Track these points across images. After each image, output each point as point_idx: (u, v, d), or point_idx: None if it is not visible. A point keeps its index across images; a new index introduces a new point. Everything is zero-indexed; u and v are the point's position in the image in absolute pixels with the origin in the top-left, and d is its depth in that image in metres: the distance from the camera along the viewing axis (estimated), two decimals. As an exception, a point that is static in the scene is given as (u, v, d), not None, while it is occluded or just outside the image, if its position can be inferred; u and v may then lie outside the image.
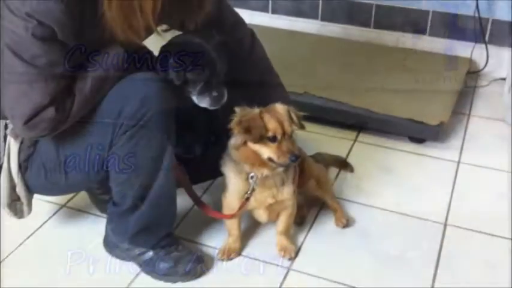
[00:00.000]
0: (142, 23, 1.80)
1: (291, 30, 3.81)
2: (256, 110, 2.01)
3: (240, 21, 2.28)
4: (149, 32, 1.89)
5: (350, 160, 2.79)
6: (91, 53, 1.84)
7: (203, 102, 2.02)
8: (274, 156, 1.97)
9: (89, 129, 1.91)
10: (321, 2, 3.75)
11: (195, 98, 2.02)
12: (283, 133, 1.98)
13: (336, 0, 3.71)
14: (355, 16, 3.71)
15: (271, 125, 1.97)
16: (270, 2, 3.86)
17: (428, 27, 3.58)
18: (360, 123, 3.01)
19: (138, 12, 1.75)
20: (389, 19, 3.64)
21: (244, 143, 2.00)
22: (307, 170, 2.35)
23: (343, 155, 2.82)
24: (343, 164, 2.74)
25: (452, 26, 3.51)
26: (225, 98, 2.02)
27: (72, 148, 1.94)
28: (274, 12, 3.88)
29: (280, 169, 2.04)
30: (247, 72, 2.23)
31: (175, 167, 2.06)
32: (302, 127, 2.08)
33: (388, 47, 3.64)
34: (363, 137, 3.00)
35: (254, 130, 1.95)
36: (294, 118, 2.04)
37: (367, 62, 3.44)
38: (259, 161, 2.01)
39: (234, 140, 2.03)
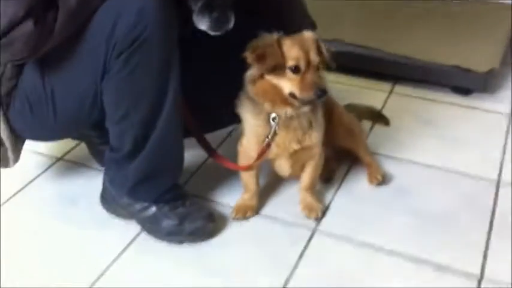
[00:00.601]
0: None
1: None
2: (275, 36, 1.70)
3: None
4: None
5: (385, 113, 2.46)
6: None
7: (202, 24, 1.69)
8: (296, 91, 1.66)
9: (78, 52, 1.62)
10: None
11: (194, 19, 1.70)
12: (308, 64, 1.66)
13: None
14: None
15: (293, 52, 1.66)
16: None
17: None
18: (396, 72, 2.67)
19: None
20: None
21: (262, 76, 1.69)
22: (336, 117, 2.05)
23: (378, 107, 2.48)
24: (377, 116, 2.42)
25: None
26: (230, 24, 1.69)
27: (60, 76, 1.66)
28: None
29: (305, 108, 1.72)
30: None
31: (183, 110, 1.77)
32: (331, 63, 1.76)
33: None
34: (399, 88, 2.68)
35: (269, 58, 1.65)
36: (323, 50, 1.72)
37: (401, 9, 3.09)
38: (279, 98, 1.70)
39: (250, 72, 1.72)
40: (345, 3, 3.18)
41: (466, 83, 2.56)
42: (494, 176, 2.10)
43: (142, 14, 1.53)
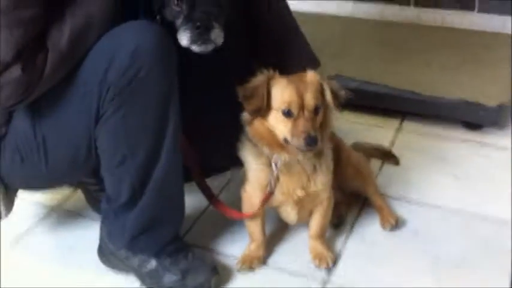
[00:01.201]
0: None
1: (318, 13, 3.40)
2: (268, 75, 1.62)
3: None
4: None
5: (394, 151, 2.36)
6: None
7: (184, 38, 1.60)
8: (288, 136, 1.58)
9: (70, 97, 1.53)
10: (353, -22, 3.34)
11: (178, 37, 1.61)
12: (302, 107, 1.56)
13: (369, -25, 3.30)
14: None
15: (286, 95, 1.58)
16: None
17: (477, 2, 3.15)
18: (403, 107, 2.58)
19: None
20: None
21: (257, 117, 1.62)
22: (343, 157, 1.96)
23: (386, 146, 2.39)
24: (386, 155, 2.32)
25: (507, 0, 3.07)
26: (220, 39, 1.61)
27: (51, 123, 1.57)
28: (302, -7, 3.47)
29: (300, 156, 1.64)
30: (267, 28, 1.82)
31: (183, 147, 1.68)
32: (337, 106, 1.65)
33: (432, 26, 3.22)
34: (407, 124, 2.59)
35: (254, 100, 1.57)
36: (327, 94, 1.63)
37: (408, 40, 3.03)
38: (276, 141, 1.62)
39: (245, 113, 1.65)
40: (349, 36, 3.12)
41: (476, 118, 2.46)
42: (507, 216, 2.00)
43: (136, 55, 1.45)
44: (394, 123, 2.58)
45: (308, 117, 1.57)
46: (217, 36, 1.61)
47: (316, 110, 1.60)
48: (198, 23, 1.58)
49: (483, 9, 3.14)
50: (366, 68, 2.71)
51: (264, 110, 1.59)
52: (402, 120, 2.60)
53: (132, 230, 1.68)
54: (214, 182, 2.00)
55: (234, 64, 1.72)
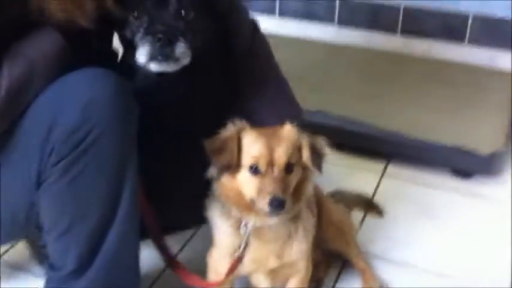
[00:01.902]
0: None
1: (301, 36, 3.22)
2: (237, 127, 1.41)
3: (238, 6, 1.67)
4: (103, 9, 1.27)
5: (378, 199, 2.18)
6: (10, 37, 1.24)
7: (143, 54, 1.38)
8: (255, 196, 1.36)
9: (7, 156, 1.30)
10: (337, 2, 3.14)
11: (137, 55, 1.40)
12: (271, 164, 1.35)
13: (355, 1, 3.09)
14: (379, 20, 3.13)
15: (254, 149, 1.37)
16: (278, 2, 3.26)
17: (467, 34, 2.99)
18: (389, 150, 2.38)
19: None
20: (419, 24, 3.06)
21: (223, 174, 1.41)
22: (325, 214, 1.75)
23: (369, 192, 2.20)
24: (369, 206, 2.12)
25: (498, 32, 2.92)
26: (185, 58, 1.40)
27: None
28: (282, 14, 3.32)
29: (271, 220, 1.41)
30: (243, 74, 1.62)
31: (140, 205, 1.45)
32: (317, 167, 1.43)
33: (419, 57, 3.04)
34: (393, 168, 2.39)
35: (222, 155, 1.37)
36: (306, 152, 1.41)
37: (394, 74, 2.85)
38: (243, 203, 1.40)
39: (210, 168, 1.43)
40: (333, 65, 2.93)
41: (466, 166, 2.28)
42: (507, 283, 1.81)
43: (88, 110, 1.22)
44: (378, 166, 2.39)
45: (277, 176, 1.35)
46: (183, 53, 1.40)
47: (288, 168, 1.38)
48: (160, 35, 1.36)
49: (473, 41, 2.98)
50: (350, 104, 2.51)
51: (234, 166, 1.38)
52: (387, 163, 2.40)
53: (79, 304, 1.44)
54: (175, 237, 1.78)
55: (206, 112, 1.50)
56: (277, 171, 1.36)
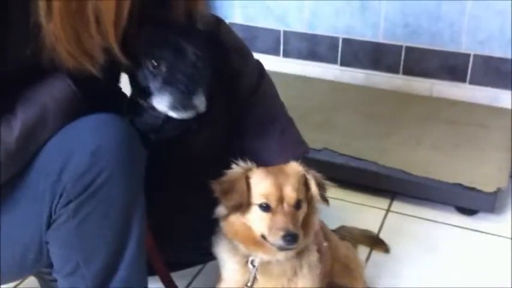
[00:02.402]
0: (99, 42, 1.23)
1: (305, 76, 3.28)
2: (245, 167, 1.46)
3: (243, 48, 1.72)
4: (110, 55, 1.31)
5: (383, 236, 2.19)
6: (23, 83, 1.28)
7: (162, 103, 1.39)
8: (266, 232, 1.39)
9: (18, 199, 1.32)
10: (340, 43, 3.22)
11: (153, 102, 1.41)
12: (281, 201, 1.39)
13: (357, 41, 3.16)
14: (381, 60, 3.18)
15: (263, 188, 1.41)
16: (282, 43, 3.33)
17: (469, 74, 3.04)
18: (393, 187, 2.41)
19: (93, 22, 1.18)
20: (421, 64, 3.11)
21: (232, 213, 1.44)
22: (330, 249, 1.75)
23: (374, 229, 2.22)
24: (375, 242, 2.14)
25: (499, 71, 2.96)
26: (200, 105, 1.41)
27: None
28: (286, 55, 3.37)
29: (280, 255, 1.43)
30: (249, 115, 1.65)
31: (147, 246, 1.47)
32: (324, 201, 1.48)
33: (420, 96, 3.09)
34: (397, 205, 2.41)
35: (233, 195, 1.40)
36: (313, 186, 1.46)
37: (396, 112, 2.89)
38: (252, 239, 1.43)
39: (220, 208, 1.46)
40: (336, 104, 2.97)
41: (470, 204, 2.30)
42: (511, 321, 1.82)
43: (96, 156, 1.25)
44: (383, 203, 2.41)
45: (288, 212, 1.39)
46: (200, 102, 1.42)
47: (297, 204, 1.42)
48: (182, 87, 1.38)
49: (474, 81, 3.03)
50: (353, 142, 2.55)
51: (245, 205, 1.41)
52: (392, 200, 2.42)
53: None
54: (183, 272, 1.79)
55: (210, 152, 1.54)
56: (287, 207, 1.39)
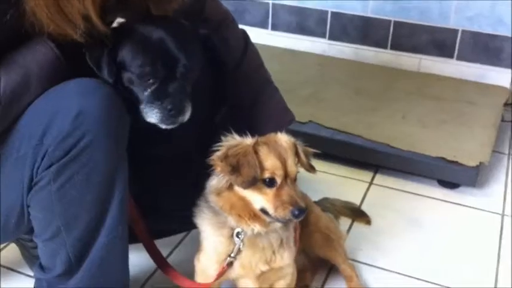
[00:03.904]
0: (78, 7, 1.22)
1: (293, 49, 3.27)
2: (250, 141, 1.42)
3: (229, 19, 1.71)
4: (91, 22, 1.30)
5: (365, 208, 2.21)
6: (5, 47, 1.28)
7: (151, 116, 1.41)
8: (270, 208, 1.38)
9: (0, 161, 1.32)
10: (329, 17, 3.20)
11: (142, 110, 1.42)
12: (286, 176, 1.38)
13: (346, 15, 3.15)
14: (370, 35, 3.17)
15: (270, 163, 1.38)
16: (270, 16, 3.31)
17: (456, 50, 3.04)
18: (377, 161, 2.42)
19: None
20: (409, 39, 3.10)
21: (230, 187, 1.41)
22: (312, 221, 1.78)
23: (357, 201, 2.23)
24: (357, 214, 2.16)
25: (486, 48, 2.97)
26: (186, 116, 1.43)
27: None
28: (274, 28, 3.35)
29: (278, 225, 1.44)
30: (236, 86, 1.64)
31: (130, 211, 1.47)
32: (312, 169, 1.49)
33: (408, 71, 3.10)
34: (380, 178, 2.42)
35: (245, 170, 1.36)
36: (302, 156, 1.46)
37: (383, 87, 2.89)
38: (248, 212, 1.42)
39: (216, 182, 1.44)
40: (323, 78, 2.97)
41: (453, 177, 2.32)
42: (490, 292, 1.85)
43: (79, 120, 1.25)
44: (366, 176, 2.43)
45: (292, 186, 1.39)
46: (187, 114, 1.44)
47: (295, 177, 1.42)
48: (171, 106, 1.39)
49: (462, 57, 3.03)
50: (340, 116, 2.55)
51: (258, 179, 1.37)
52: (375, 173, 2.44)
53: (67, 304, 1.46)
54: (165, 240, 1.80)
55: (195, 123, 1.53)
56: (290, 181, 1.39)
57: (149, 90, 1.39)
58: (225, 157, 1.39)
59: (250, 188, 1.38)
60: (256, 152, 1.39)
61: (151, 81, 1.38)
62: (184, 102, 1.42)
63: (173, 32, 1.41)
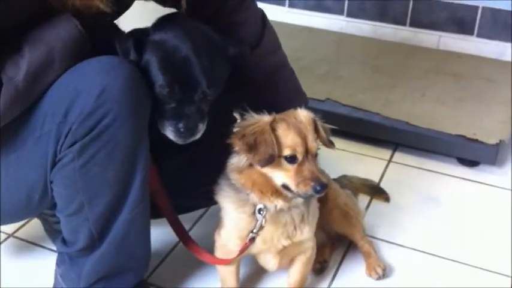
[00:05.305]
0: None
1: (311, 27, 3.24)
2: (267, 118, 1.42)
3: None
4: None
5: (384, 185, 2.20)
6: (28, 25, 1.28)
7: (165, 131, 1.43)
8: (291, 184, 1.39)
9: (24, 138, 1.34)
10: (347, -7, 3.17)
11: (157, 121, 1.44)
12: (306, 152, 1.38)
13: (365, -9, 3.12)
14: (388, 12, 3.14)
15: (290, 139, 1.38)
16: (288, -7, 3.29)
17: (476, 27, 3.00)
18: (396, 139, 2.41)
19: None
20: (429, 16, 3.07)
21: (251, 164, 1.42)
22: (330, 198, 1.79)
23: (375, 179, 2.23)
24: (375, 191, 2.15)
25: (506, 25, 2.93)
26: (199, 134, 1.44)
27: (2, 164, 1.38)
28: (292, 6, 3.34)
29: (300, 200, 1.45)
30: (253, 67, 1.63)
31: (154, 187, 1.49)
32: (331, 145, 1.49)
33: (427, 48, 3.07)
34: (399, 156, 2.41)
35: (262, 149, 1.37)
36: (321, 131, 1.45)
37: (402, 64, 2.87)
38: (270, 189, 1.43)
39: (237, 160, 1.45)
40: (341, 55, 2.96)
41: (472, 155, 2.30)
42: (508, 268, 1.84)
43: (102, 99, 1.26)
44: (385, 153, 2.42)
45: (312, 162, 1.39)
46: (199, 134, 1.45)
47: (316, 153, 1.42)
48: (183, 129, 1.41)
49: (482, 34, 2.99)
50: (357, 93, 2.54)
51: (276, 158, 1.38)
52: (394, 151, 2.43)
53: (89, 277, 1.49)
54: (186, 215, 1.81)
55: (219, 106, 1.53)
56: (311, 157, 1.39)
57: (168, 105, 1.40)
58: (243, 136, 1.40)
59: (268, 165, 1.39)
60: (274, 130, 1.39)
61: (167, 102, 1.39)
62: (198, 123, 1.43)
63: (201, 49, 1.40)
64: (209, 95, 1.43)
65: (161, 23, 1.44)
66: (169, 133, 1.42)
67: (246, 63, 1.54)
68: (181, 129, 1.40)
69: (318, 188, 1.36)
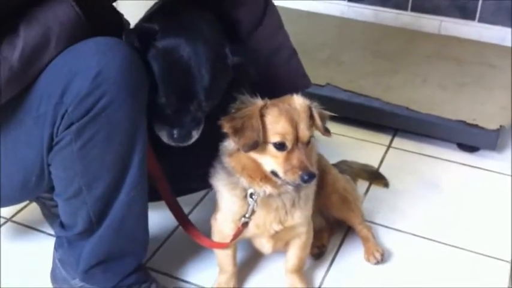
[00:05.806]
0: None
1: (312, 11, 3.22)
2: (259, 103, 1.40)
3: None
4: None
5: (383, 171, 2.20)
6: (25, 4, 1.27)
7: (157, 131, 1.45)
8: (279, 171, 1.38)
9: (20, 120, 1.34)
10: (349, -22, 3.14)
11: (153, 123, 1.45)
12: (297, 140, 1.37)
13: (366, -24, 3.10)
14: (390, -4, 3.11)
15: (279, 126, 1.37)
16: (289, -23, 3.25)
17: (478, 12, 2.98)
18: (395, 124, 2.40)
19: None
20: (430, 1, 3.05)
21: (239, 149, 1.41)
22: (329, 183, 1.78)
23: (375, 164, 2.22)
24: (374, 176, 2.15)
25: (508, 11, 2.91)
26: (192, 139, 1.46)
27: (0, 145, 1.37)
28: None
29: (289, 188, 1.44)
30: (256, 44, 1.62)
31: (153, 170, 1.49)
32: (327, 133, 1.47)
33: (428, 33, 3.05)
34: (399, 141, 2.41)
35: (247, 134, 1.36)
36: (317, 119, 1.44)
37: (403, 49, 2.85)
38: (259, 174, 1.42)
39: (228, 143, 1.44)
40: (342, 40, 2.94)
41: (473, 141, 2.30)
42: (508, 257, 1.83)
43: (98, 81, 1.25)
44: (384, 139, 2.41)
45: (303, 151, 1.38)
46: (193, 139, 1.47)
47: (308, 141, 1.41)
48: (177, 135, 1.43)
49: (484, 19, 2.97)
50: (358, 79, 2.52)
51: (261, 144, 1.37)
52: (393, 136, 2.42)
53: (88, 260, 1.49)
54: (185, 199, 1.81)
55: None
56: (301, 145, 1.38)
57: (165, 112, 1.41)
58: (232, 119, 1.39)
59: (251, 151, 1.38)
60: (263, 115, 1.38)
61: (163, 109, 1.40)
62: (192, 131, 1.44)
63: (204, 64, 1.40)
64: (206, 106, 1.43)
65: (168, 25, 1.43)
66: (163, 136, 1.44)
67: (247, 71, 1.53)
68: (175, 136, 1.42)
69: (306, 177, 1.34)
